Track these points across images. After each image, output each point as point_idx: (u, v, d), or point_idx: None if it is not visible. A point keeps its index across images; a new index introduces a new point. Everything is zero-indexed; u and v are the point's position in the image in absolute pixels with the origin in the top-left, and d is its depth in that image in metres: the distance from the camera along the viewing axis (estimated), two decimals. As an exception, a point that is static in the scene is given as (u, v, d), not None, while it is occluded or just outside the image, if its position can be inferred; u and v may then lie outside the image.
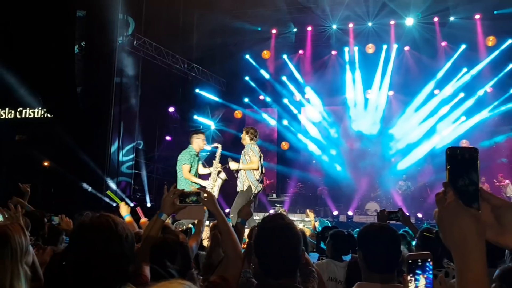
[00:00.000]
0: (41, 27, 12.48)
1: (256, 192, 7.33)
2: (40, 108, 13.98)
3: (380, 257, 2.28)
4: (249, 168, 7.29)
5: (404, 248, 4.04)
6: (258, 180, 7.36)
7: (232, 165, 7.36)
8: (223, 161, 7.57)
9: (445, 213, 1.09)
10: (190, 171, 7.32)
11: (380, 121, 15.62)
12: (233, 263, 2.66)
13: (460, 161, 1.11)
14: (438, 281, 1.60)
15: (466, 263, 1.03)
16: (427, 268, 1.39)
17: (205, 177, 7.56)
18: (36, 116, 14.09)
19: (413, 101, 15.34)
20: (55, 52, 12.79)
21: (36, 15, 12.46)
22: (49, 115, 13.84)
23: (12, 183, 5.82)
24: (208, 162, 7.99)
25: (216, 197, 6.28)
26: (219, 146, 7.70)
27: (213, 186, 7.34)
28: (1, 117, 14.35)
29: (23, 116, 14.21)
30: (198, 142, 7.46)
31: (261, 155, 7.54)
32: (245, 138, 7.50)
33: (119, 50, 13.15)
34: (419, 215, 12.05)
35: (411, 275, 1.39)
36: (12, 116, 14.30)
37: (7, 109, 14.31)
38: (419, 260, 1.37)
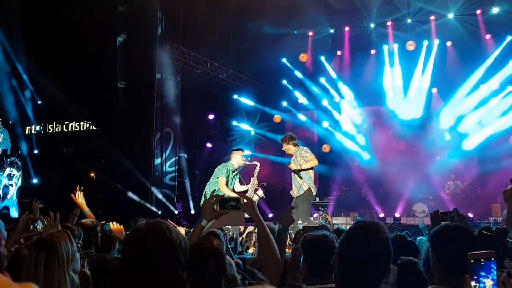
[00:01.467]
0: (82, 25, 12.66)
1: (315, 193, 7.43)
2: (85, 121, 14.42)
3: (459, 259, 2.08)
4: (311, 166, 7.42)
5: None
6: (313, 179, 7.43)
7: (293, 165, 7.44)
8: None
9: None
10: (226, 185, 7.45)
11: (423, 110, 15.16)
12: (271, 271, 2.61)
13: None
14: (501, 281, 1.51)
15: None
16: (491, 269, 1.32)
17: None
18: (81, 129, 14.55)
19: (456, 95, 14.83)
20: (97, 48, 12.99)
21: (77, 13, 12.59)
22: (94, 127, 14.24)
23: (62, 194, 5.97)
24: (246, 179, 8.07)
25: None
26: (258, 164, 7.82)
27: None
28: (49, 132, 14.91)
29: (69, 129, 14.71)
30: (237, 159, 7.63)
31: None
32: (289, 147, 7.67)
33: (158, 50, 13.23)
34: (470, 215, 11.63)
35: (474, 276, 1.32)
36: (59, 130, 14.83)
37: (54, 123, 14.84)
38: (482, 260, 1.30)
